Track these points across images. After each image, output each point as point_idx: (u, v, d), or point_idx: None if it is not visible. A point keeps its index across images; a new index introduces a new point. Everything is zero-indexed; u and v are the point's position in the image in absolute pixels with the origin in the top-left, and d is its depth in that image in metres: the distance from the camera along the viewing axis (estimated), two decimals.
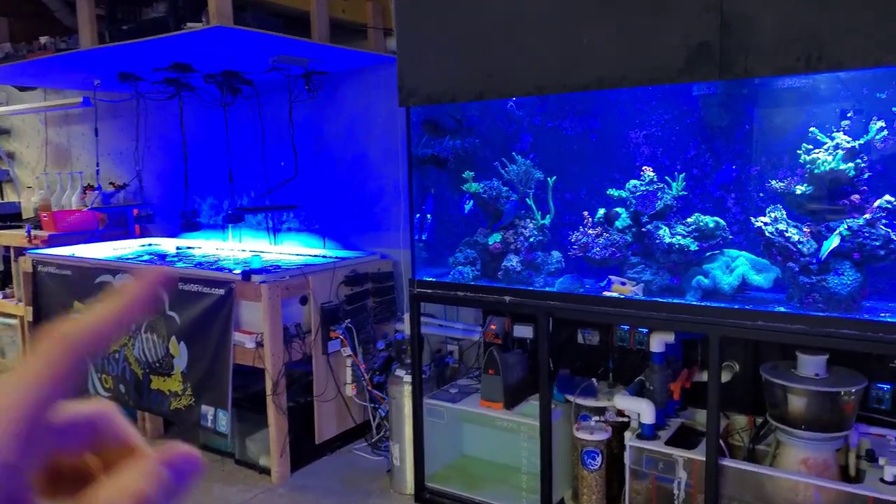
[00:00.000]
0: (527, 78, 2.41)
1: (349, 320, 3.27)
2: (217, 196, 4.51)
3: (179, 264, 3.81)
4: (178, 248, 4.58)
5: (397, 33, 2.70)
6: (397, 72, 2.72)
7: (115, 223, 5.01)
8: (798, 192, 2.18)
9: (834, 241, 2.03)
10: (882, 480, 2.12)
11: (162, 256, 4.32)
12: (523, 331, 3.06)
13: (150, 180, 5.06)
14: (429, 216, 2.84)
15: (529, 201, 2.72)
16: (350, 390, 3.40)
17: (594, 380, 2.79)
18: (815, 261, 2.09)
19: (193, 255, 4.30)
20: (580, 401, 2.68)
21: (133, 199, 5.24)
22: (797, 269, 2.14)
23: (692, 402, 2.72)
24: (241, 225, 4.48)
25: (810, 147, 2.18)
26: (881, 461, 2.17)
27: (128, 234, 5.11)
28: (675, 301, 2.29)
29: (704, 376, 2.64)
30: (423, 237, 2.85)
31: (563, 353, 3.00)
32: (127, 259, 4.24)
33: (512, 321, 3.05)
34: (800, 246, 2.13)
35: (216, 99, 4.13)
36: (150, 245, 4.85)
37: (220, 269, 3.45)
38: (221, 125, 4.32)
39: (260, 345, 3.11)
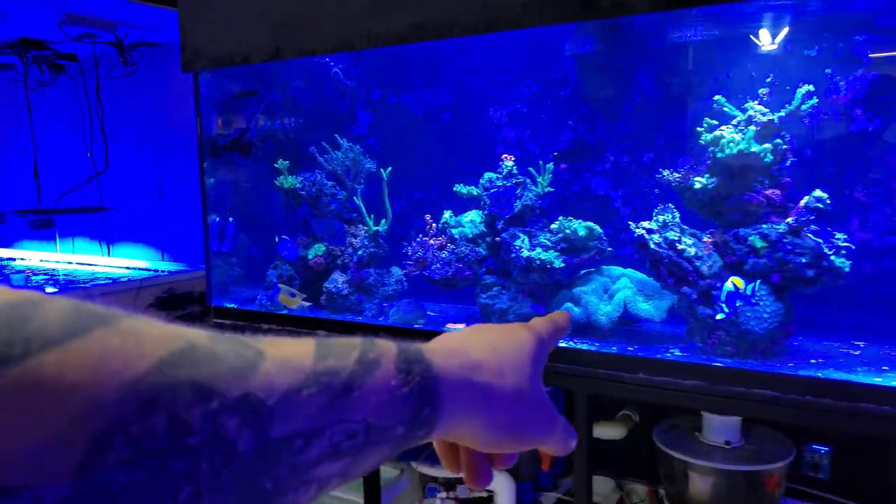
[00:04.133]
0: (330, 29, 1.72)
1: None
2: (30, 196, 3.70)
3: None
4: None
5: None
6: (179, 27, 2.01)
7: None
8: (697, 185, 1.53)
9: (729, 285, 1.39)
10: None
11: None
12: None
13: None
14: (230, 219, 2.12)
15: (358, 200, 2.03)
16: None
17: None
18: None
19: (10, 268, 3.50)
20: (425, 469, 2.00)
21: None
22: (695, 297, 1.49)
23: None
24: (75, 233, 3.70)
25: (714, 122, 1.54)
26: None
27: None
28: None
29: (602, 431, 2.00)
30: (222, 247, 2.13)
31: None
32: None
33: None
34: (698, 263, 1.48)
35: (32, 79, 3.34)
36: None
37: None
38: (42, 110, 3.53)
39: None
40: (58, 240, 3.71)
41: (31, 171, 3.46)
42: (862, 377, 1.34)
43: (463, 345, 0.44)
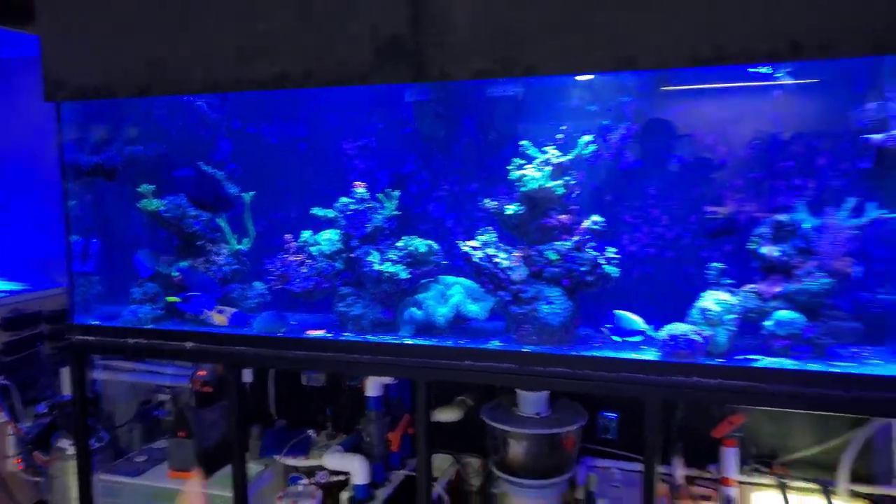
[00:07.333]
0: (198, 71, 1.93)
1: (3, 376, 2.52)
2: None
3: None
4: None
5: (37, 3, 2.08)
6: (42, 56, 2.10)
7: None
8: (508, 212, 1.95)
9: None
10: None
11: None
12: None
13: None
14: (93, 241, 2.23)
15: (222, 222, 2.23)
16: (13, 465, 2.63)
17: (311, 431, 2.37)
18: (524, 290, 1.86)
19: None
20: (288, 460, 2.25)
21: None
22: (508, 298, 1.90)
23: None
24: None
25: (522, 162, 1.96)
26: (600, 503, 2.00)
27: None
28: (376, 340, 1.94)
29: (442, 415, 2.34)
30: (87, 268, 2.23)
31: (288, 398, 2.56)
32: None
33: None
34: (510, 272, 1.89)
35: None
36: None
37: None
38: None
39: None
40: None
41: None
42: (625, 354, 1.81)
43: None
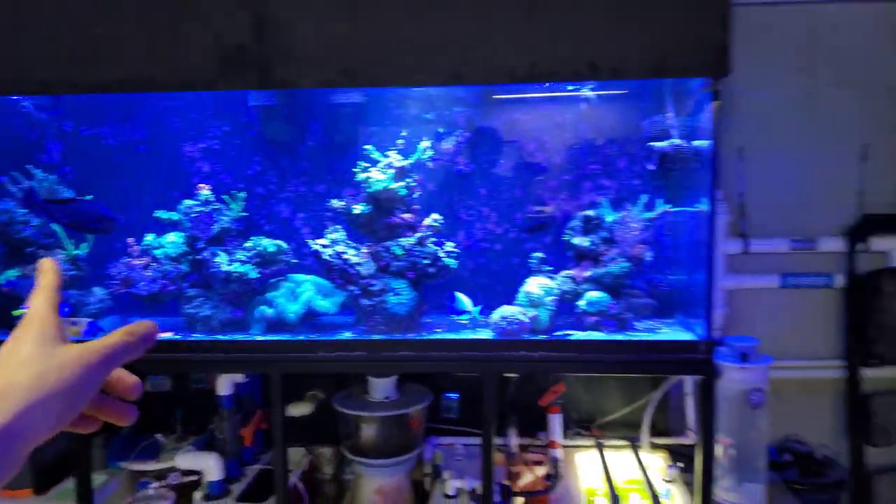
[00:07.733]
0: (29, 72, 1.86)
1: None
2: None
3: None
4: None
5: None
6: None
7: None
8: (356, 211, 2.09)
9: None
10: (446, 496, 2.15)
11: None
12: None
13: None
14: None
15: (55, 226, 2.15)
16: None
17: (160, 436, 2.34)
18: (374, 284, 2.01)
19: None
20: (136, 466, 2.21)
21: None
22: (358, 292, 2.03)
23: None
24: None
25: (367, 165, 2.11)
26: (445, 475, 2.20)
27: None
28: (227, 339, 1.99)
29: (295, 410, 2.41)
30: None
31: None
32: None
33: None
34: (359, 268, 2.03)
35: None
36: None
37: None
38: None
39: None
40: None
41: None
42: (465, 335, 2.02)
43: None
